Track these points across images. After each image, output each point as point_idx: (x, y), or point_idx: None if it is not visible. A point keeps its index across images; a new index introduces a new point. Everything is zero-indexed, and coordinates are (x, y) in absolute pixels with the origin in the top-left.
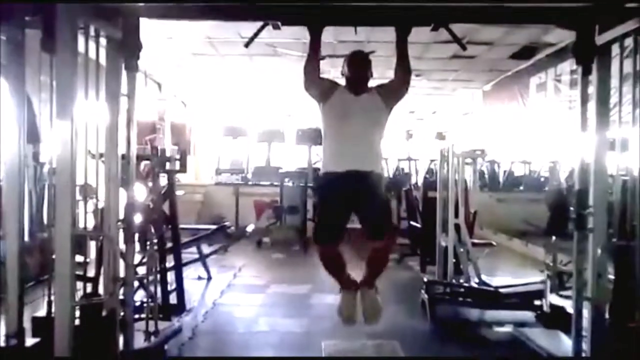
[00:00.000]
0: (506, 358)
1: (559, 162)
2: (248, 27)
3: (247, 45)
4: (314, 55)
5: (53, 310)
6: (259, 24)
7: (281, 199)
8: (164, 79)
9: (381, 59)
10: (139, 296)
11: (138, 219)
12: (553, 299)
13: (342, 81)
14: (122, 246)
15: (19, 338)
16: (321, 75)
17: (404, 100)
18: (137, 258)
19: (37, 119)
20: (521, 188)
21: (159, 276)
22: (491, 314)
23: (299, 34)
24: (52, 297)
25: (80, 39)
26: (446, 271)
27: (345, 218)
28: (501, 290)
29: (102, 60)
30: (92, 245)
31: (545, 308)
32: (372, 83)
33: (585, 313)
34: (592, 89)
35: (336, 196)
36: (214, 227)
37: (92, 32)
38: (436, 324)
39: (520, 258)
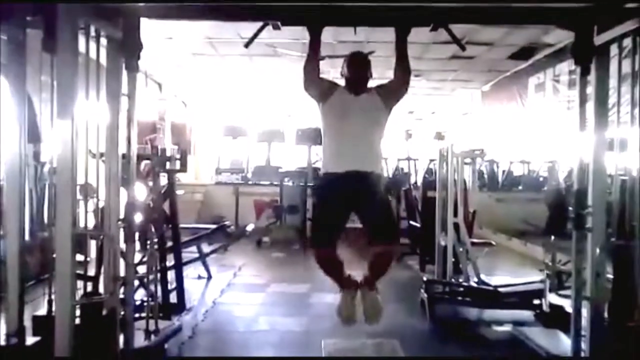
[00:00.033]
0: (505, 357)
1: (557, 162)
2: (248, 27)
3: (247, 45)
4: (313, 55)
5: (53, 309)
6: (259, 24)
7: (281, 199)
8: (164, 79)
9: (381, 59)
10: (139, 295)
11: (138, 218)
12: (552, 298)
13: (341, 82)
14: (122, 245)
15: (19, 337)
16: (321, 76)
17: (404, 101)
18: (138, 257)
19: (37, 118)
20: (520, 188)
21: (159, 275)
22: (490, 313)
23: (299, 34)
24: (53, 296)
25: (81, 39)
26: (445, 270)
27: (344, 219)
28: (500, 289)
29: (103, 60)
30: (93, 245)
31: (545, 307)
32: (371, 84)
33: (584, 312)
34: (590, 89)
35: (336, 197)
36: (214, 226)
37: (92, 32)
38: (435, 323)
39: (519, 257)
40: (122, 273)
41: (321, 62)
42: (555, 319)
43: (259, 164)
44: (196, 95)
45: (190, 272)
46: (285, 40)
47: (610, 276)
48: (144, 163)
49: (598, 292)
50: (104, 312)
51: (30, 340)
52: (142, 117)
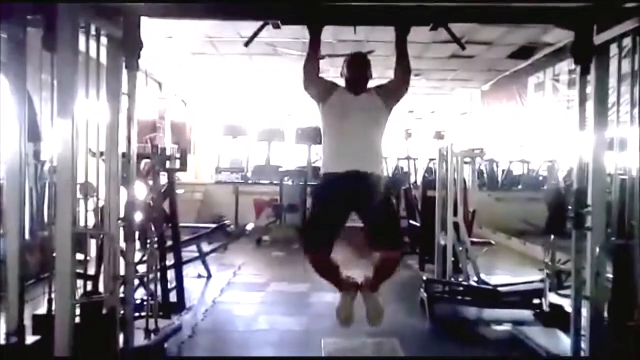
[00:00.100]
0: (505, 357)
1: (557, 161)
2: (248, 27)
3: (247, 44)
4: (313, 55)
5: (54, 308)
6: (259, 23)
7: (281, 198)
8: (165, 78)
9: (381, 58)
10: (140, 294)
11: (138, 217)
12: (552, 297)
13: (342, 83)
14: (122, 244)
15: (19, 336)
16: (321, 76)
17: (404, 100)
18: (138, 256)
19: (38, 117)
20: (520, 187)
21: (159, 274)
22: (490, 313)
23: (299, 34)
24: (53, 295)
25: (82, 38)
26: (445, 270)
27: (343, 221)
28: (500, 289)
29: (103, 59)
30: (93, 244)
31: (544, 307)
32: (372, 84)
33: (584, 312)
34: (590, 89)
35: (336, 197)
36: (214, 225)
37: (93, 31)
38: (435, 322)
39: (519, 257)
40: (122, 272)
41: (321, 62)
42: (555, 318)
43: (259, 164)
44: (196, 94)
45: (191, 272)
46: (286, 39)
47: (610, 276)
48: (144, 162)
49: (598, 292)
50: (104, 311)
51: (30, 339)
52: (143, 116)
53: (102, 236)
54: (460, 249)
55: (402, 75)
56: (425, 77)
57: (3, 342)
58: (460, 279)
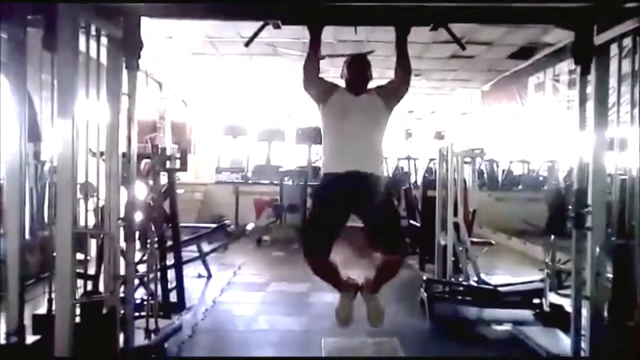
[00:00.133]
0: (505, 357)
1: (557, 161)
2: (248, 27)
3: (247, 44)
4: (313, 55)
5: (53, 307)
6: (259, 23)
7: (281, 198)
8: (165, 78)
9: (380, 58)
10: (139, 294)
11: (138, 217)
12: (552, 297)
13: (342, 83)
14: (122, 244)
15: (19, 335)
16: (321, 76)
17: (404, 100)
18: (138, 256)
19: (38, 117)
20: (520, 187)
21: (159, 274)
22: (490, 313)
23: (299, 34)
24: (53, 295)
25: (82, 38)
26: (445, 270)
27: (343, 222)
28: (500, 288)
29: (103, 59)
30: (93, 243)
31: (544, 307)
32: (372, 84)
33: (584, 312)
34: (590, 89)
35: (336, 197)
36: (214, 225)
37: (93, 31)
38: (435, 322)
39: (519, 257)
40: (122, 272)
41: (321, 62)
42: (555, 318)
43: (259, 163)
44: (196, 94)
45: (190, 271)
46: (286, 39)
47: (610, 275)
48: (144, 162)
49: (598, 292)
50: (104, 311)
51: (30, 339)
52: (143, 116)
53: (102, 236)
54: (460, 248)
55: (402, 76)
56: (425, 77)
57: (3, 341)
58: (460, 279)
